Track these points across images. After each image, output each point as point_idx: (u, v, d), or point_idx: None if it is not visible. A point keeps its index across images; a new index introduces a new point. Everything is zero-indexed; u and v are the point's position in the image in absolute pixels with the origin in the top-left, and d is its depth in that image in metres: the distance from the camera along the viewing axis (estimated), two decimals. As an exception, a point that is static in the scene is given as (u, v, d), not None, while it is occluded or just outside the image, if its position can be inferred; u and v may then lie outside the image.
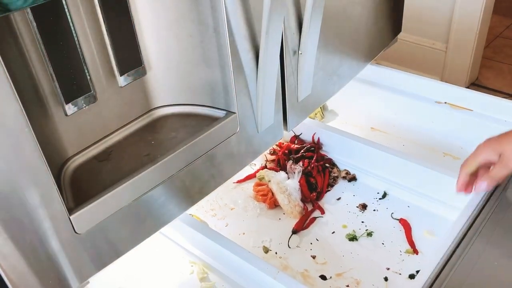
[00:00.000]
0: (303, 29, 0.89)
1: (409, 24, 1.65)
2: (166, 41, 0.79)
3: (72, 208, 0.64)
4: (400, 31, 1.41)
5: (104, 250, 0.70)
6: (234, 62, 0.78)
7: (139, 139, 0.80)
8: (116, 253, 0.73)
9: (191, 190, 0.82)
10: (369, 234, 1.08)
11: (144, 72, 0.79)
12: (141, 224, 0.75)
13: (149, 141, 0.80)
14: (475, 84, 2.38)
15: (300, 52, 0.92)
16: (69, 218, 0.63)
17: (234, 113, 0.83)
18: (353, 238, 1.08)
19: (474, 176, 0.93)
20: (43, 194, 0.59)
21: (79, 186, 0.71)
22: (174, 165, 0.76)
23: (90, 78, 0.71)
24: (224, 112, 0.84)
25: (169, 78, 0.82)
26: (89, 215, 0.66)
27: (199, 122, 0.82)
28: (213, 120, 0.82)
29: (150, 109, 0.85)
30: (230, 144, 0.85)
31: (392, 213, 1.13)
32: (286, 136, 1.36)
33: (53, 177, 0.60)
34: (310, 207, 1.17)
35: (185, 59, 0.80)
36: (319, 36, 0.93)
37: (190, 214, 1.10)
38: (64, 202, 0.62)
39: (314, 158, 1.25)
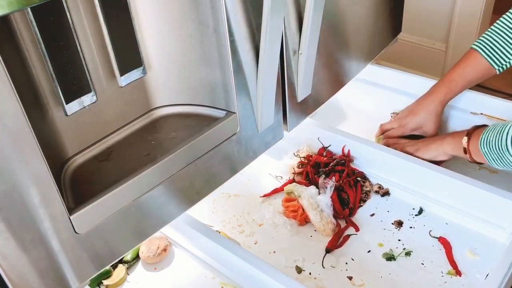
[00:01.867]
0: (303, 29, 0.89)
1: (409, 24, 1.65)
2: (166, 41, 0.79)
3: (72, 208, 0.64)
4: (400, 31, 1.41)
5: (104, 250, 0.70)
6: (234, 62, 0.78)
7: (139, 139, 0.80)
8: (116, 254, 0.73)
9: (191, 190, 0.81)
10: (407, 254, 1.03)
11: (144, 72, 0.79)
12: (141, 224, 0.75)
13: (149, 141, 0.80)
14: (479, 85, 2.37)
15: (300, 52, 0.92)
16: (69, 218, 0.63)
17: (234, 113, 0.83)
18: (390, 257, 1.03)
19: None
20: (43, 194, 0.59)
21: (79, 186, 0.71)
22: (174, 165, 0.76)
23: (90, 78, 0.71)
24: (224, 112, 0.84)
25: (169, 78, 0.82)
26: (89, 215, 0.66)
27: (199, 122, 0.82)
28: (213, 120, 0.82)
29: (150, 109, 0.85)
30: (230, 144, 0.85)
31: (430, 230, 1.07)
32: (313, 147, 1.31)
33: (53, 177, 0.60)
34: (343, 224, 1.11)
35: (185, 59, 0.80)
36: (319, 36, 0.93)
37: (217, 231, 1.07)
38: (64, 202, 0.62)
39: (345, 172, 1.19)
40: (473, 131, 1.03)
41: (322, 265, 1.03)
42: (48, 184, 0.60)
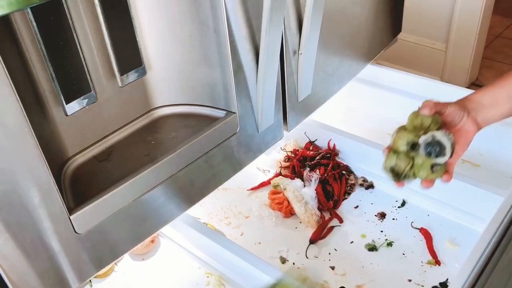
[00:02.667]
0: (303, 29, 0.89)
1: (409, 24, 1.65)
2: (166, 41, 0.79)
3: (72, 208, 0.64)
4: (400, 31, 1.41)
5: (104, 250, 0.70)
6: (234, 62, 0.78)
7: (139, 139, 0.80)
8: (116, 253, 0.73)
9: (191, 190, 0.82)
10: (389, 244, 1.06)
11: (144, 72, 0.79)
12: (141, 224, 0.75)
13: (149, 141, 0.80)
14: (475, 84, 2.37)
15: (300, 52, 0.92)
16: (69, 218, 0.63)
17: (234, 113, 0.83)
18: (372, 248, 1.05)
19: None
20: (43, 194, 0.59)
21: (79, 186, 0.71)
22: (174, 165, 0.76)
23: (90, 78, 0.71)
24: (224, 112, 0.84)
25: (169, 78, 0.82)
26: (89, 215, 0.66)
27: (199, 122, 0.82)
28: (213, 120, 0.82)
29: (150, 109, 0.85)
30: (230, 144, 0.85)
31: (412, 222, 1.10)
32: (301, 142, 1.34)
33: (53, 177, 0.60)
34: (327, 216, 1.14)
35: (185, 59, 0.80)
36: (319, 36, 0.93)
37: (204, 223, 1.09)
38: (64, 202, 0.62)
39: (330, 165, 1.21)
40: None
41: (306, 255, 1.06)
42: (48, 184, 0.60)
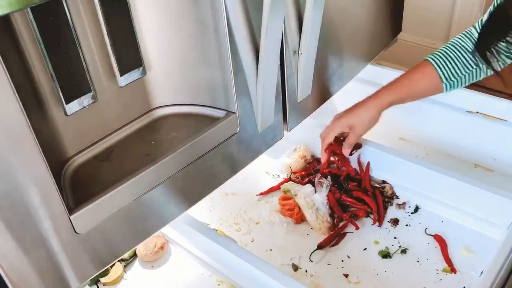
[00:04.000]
0: (303, 29, 0.89)
1: (409, 24, 1.65)
2: (166, 41, 0.79)
3: (72, 208, 0.64)
4: (400, 31, 1.41)
5: (104, 250, 0.70)
6: (234, 62, 0.78)
7: (139, 139, 0.80)
8: (116, 253, 0.73)
9: (191, 190, 0.82)
10: (403, 251, 1.03)
11: (144, 72, 0.79)
12: (141, 224, 0.75)
13: (149, 141, 0.80)
14: (475, 84, 2.37)
15: (300, 52, 0.92)
16: (69, 218, 0.63)
17: (234, 113, 0.83)
18: (386, 255, 1.03)
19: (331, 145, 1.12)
20: (43, 194, 0.59)
21: (80, 186, 0.71)
22: (174, 165, 0.76)
23: (90, 78, 0.71)
24: (224, 112, 0.83)
25: (169, 78, 0.82)
26: (89, 215, 0.66)
27: (199, 122, 0.82)
28: (213, 120, 0.82)
29: (150, 109, 0.85)
30: (230, 144, 0.85)
31: (426, 228, 1.08)
32: (311, 147, 1.29)
33: (53, 177, 0.60)
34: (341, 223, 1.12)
35: (185, 59, 0.80)
36: (319, 36, 0.93)
37: (214, 229, 1.07)
38: (64, 202, 0.62)
39: (362, 185, 1.16)
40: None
41: (310, 259, 1.04)
42: (48, 184, 0.60)
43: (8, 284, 0.60)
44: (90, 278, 0.70)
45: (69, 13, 0.65)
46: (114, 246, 0.72)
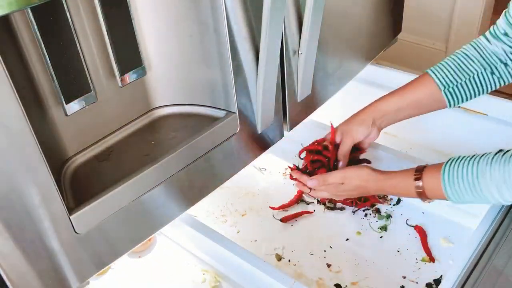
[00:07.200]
0: (303, 29, 0.89)
1: (409, 24, 1.65)
2: (166, 41, 0.79)
3: (72, 208, 0.64)
4: (400, 31, 1.41)
5: (104, 250, 0.70)
6: (234, 62, 0.78)
7: (139, 139, 0.81)
8: (116, 253, 0.73)
9: (191, 190, 0.82)
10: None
11: (144, 72, 0.79)
12: (141, 224, 0.75)
13: (149, 141, 0.80)
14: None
15: (300, 52, 0.92)
16: (69, 218, 0.63)
17: (234, 113, 0.83)
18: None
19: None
20: (43, 194, 0.60)
21: (79, 186, 0.71)
22: (174, 165, 0.76)
23: (90, 78, 0.71)
24: (224, 112, 0.84)
25: (169, 78, 0.82)
26: (89, 215, 0.66)
27: (199, 122, 0.82)
28: (213, 120, 0.82)
29: (150, 109, 0.85)
30: (230, 144, 0.85)
31: (407, 219, 1.11)
32: None
33: (53, 177, 0.60)
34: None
35: (185, 59, 0.80)
36: (319, 36, 0.93)
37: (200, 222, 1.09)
38: (64, 202, 0.62)
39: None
40: (422, 171, 0.93)
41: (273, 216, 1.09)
42: (48, 184, 0.60)
43: (8, 284, 0.60)
44: (90, 278, 0.71)
45: (69, 13, 0.65)
46: (114, 246, 0.72)
